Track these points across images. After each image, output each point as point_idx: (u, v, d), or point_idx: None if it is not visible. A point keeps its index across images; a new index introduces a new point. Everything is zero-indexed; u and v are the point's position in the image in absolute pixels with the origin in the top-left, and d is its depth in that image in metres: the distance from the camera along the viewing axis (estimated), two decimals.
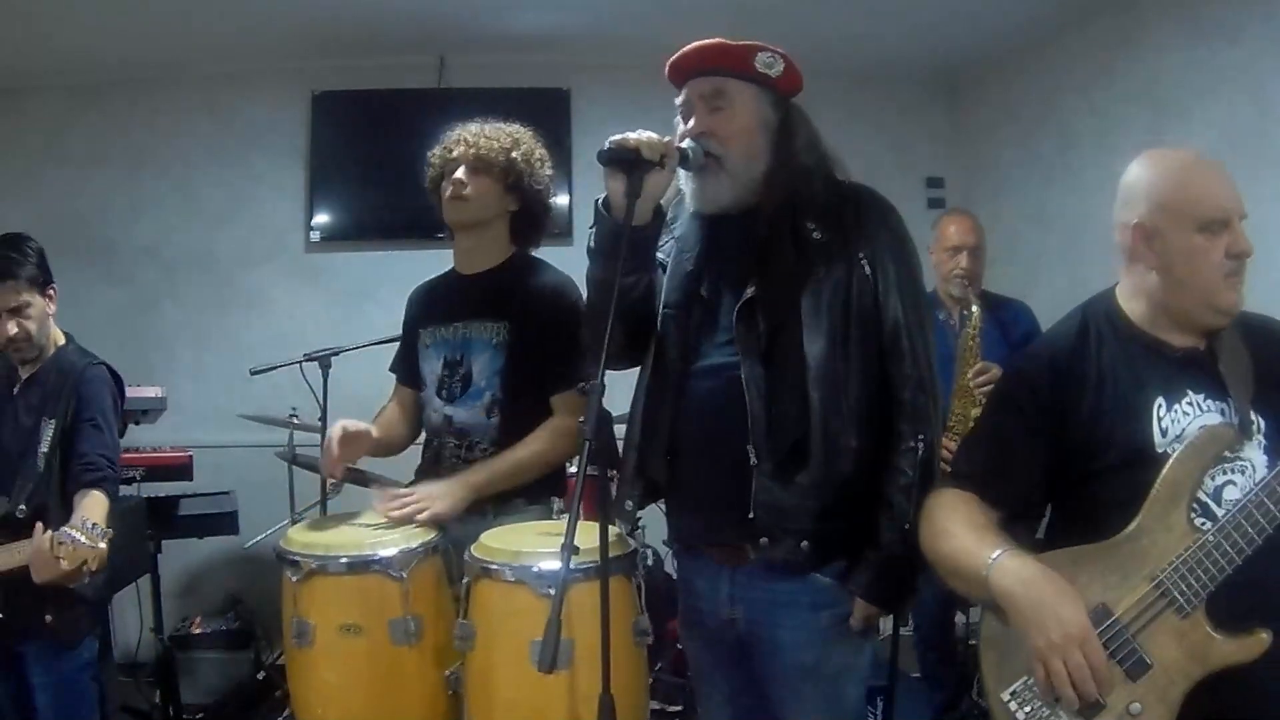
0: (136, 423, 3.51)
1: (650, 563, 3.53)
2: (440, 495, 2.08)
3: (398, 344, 2.45)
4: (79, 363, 2.37)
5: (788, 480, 1.63)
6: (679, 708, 3.33)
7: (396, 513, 2.06)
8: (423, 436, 2.37)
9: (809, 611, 1.68)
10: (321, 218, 4.47)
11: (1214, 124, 3.22)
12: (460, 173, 2.16)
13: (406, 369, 2.38)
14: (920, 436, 1.63)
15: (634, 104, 4.69)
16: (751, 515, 1.64)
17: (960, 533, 1.52)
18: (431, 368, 2.26)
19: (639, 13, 3.89)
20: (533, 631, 1.77)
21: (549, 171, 2.27)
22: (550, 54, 4.35)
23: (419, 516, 2.04)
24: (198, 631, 3.70)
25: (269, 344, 3.96)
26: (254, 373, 3.24)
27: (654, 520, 3.74)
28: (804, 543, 1.64)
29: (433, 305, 2.32)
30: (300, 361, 3.12)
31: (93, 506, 2.17)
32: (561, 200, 4.28)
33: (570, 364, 2.07)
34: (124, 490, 3.34)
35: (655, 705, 3.25)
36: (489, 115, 2.28)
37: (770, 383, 1.64)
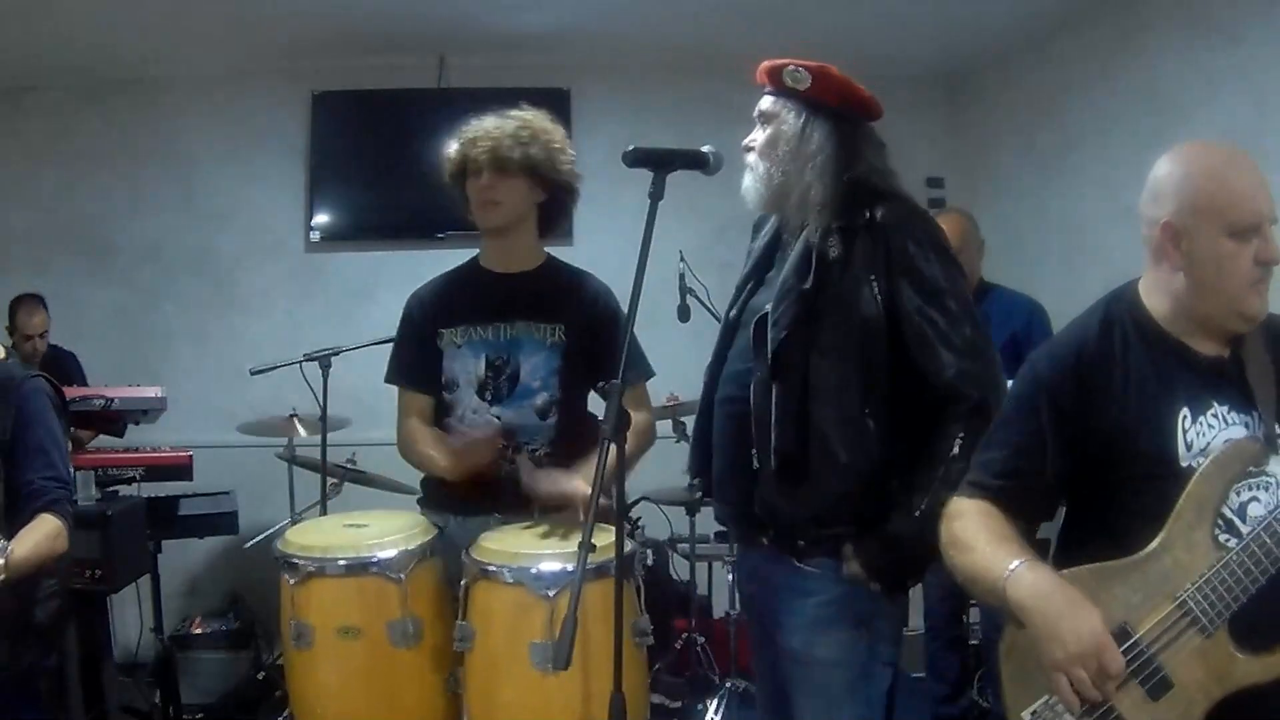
0: (136, 423, 3.51)
1: (650, 563, 3.53)
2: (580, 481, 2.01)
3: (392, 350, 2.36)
4: (17, 375, 2.22)
5: (786, 489, 1.71)
6: (678, 704, 3.33)
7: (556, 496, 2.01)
8: None
9: (799, 598, 1.75)
10: (321, 218, 4.47)
11: (1214, 124, 3.21)
12: (485, 179, 2.13)
13: (421, 374, 2.23)
14: (958, 425, 1.65)
15: (634, 104, 4.75)
16: (757, 509, 1.76)
17: (978, 545, 1.48)
18: (467, 367, 2.18)
19: (639, 13, 3.87)
20: (532, 633, 1.78)
21: (570, 155, 2.23)
22: (550, 54, 4.33)
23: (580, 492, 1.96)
24: (198, 631, 3.70)
25: (269, 344, 3.95)
26: (254, 373, 3.23)
27: (655, 520, 3.78)
28: (800, 542, 1.75)
29: (461, 303, 2.23)
30: (300, 361, 3.12)
31: (33, 529, 2.06)
32: None
33: (633, 358, 2.00)
34: (124, 490, 3.36)
35: (655, 701, 3.25)
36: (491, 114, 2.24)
37: (775, 394, 1.70)
